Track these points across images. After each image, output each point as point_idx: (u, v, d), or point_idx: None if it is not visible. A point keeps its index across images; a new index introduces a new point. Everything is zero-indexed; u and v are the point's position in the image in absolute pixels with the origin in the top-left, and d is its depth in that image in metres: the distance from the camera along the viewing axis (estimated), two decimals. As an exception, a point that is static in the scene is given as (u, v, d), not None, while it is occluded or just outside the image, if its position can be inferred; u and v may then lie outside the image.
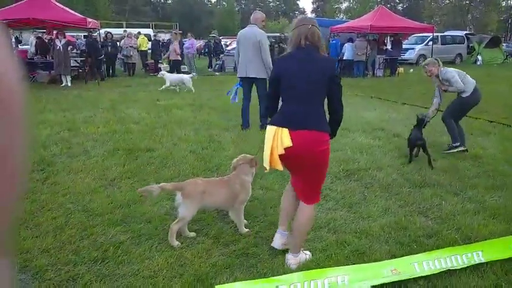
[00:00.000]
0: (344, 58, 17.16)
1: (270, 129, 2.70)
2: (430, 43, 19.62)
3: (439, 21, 57.73)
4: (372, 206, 3.93)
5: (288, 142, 2.59)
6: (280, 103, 2.85)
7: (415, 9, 60.48)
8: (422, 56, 22.50)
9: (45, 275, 2.77)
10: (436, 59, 5.75)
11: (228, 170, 4.92)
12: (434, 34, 19.12)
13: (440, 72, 5.56)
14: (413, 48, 22.80)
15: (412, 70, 18.82)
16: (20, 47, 16.14)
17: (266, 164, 2.74)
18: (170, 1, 72.10)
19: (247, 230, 3.41)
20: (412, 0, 69.39)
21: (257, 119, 7.06)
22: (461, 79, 5.53)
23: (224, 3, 70.92)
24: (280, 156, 2.64)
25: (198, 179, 3.39)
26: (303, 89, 2.66)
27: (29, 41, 16.70)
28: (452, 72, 5.54)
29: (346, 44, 16.98)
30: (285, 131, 2.60)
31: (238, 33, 6.95)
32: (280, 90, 2.77)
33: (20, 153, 0.50)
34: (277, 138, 2.62)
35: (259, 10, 7.58)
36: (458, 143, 5.63)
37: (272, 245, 3.09)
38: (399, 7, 68.30)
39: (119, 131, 6.82)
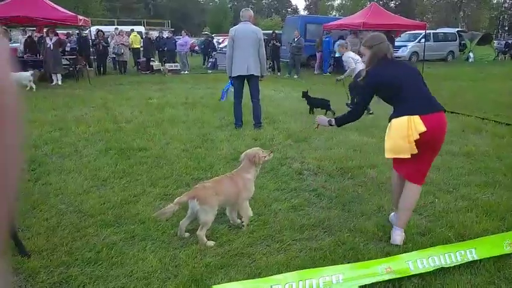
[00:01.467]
0: (336, 55, 17.17)
1: (401, 120, 2.99)
2: (423, 40, 19.73)
3: (431, 18, 58.05)
4: (366, 204, 3.94)
5: (422, 127, 2.91)
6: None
7: (408, 6, 60.68)
8: (415, 54, 22.63)
9: (37, 277, 2.73)
10: (346, 42, 9.09)
11: (221, 169, 4.91)
12: (427, 31, 19.22)
13: (343, 54, 8.63)
14: (405, 46, 22.89)
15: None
16: (9, 45, 15.92)
17: (406, 154, 3.00)
18: (162, -2, 71.62)
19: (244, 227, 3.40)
20: (404, -2, 69.61)
21: (250, 118, 7.01)
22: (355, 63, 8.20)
23: (216, 0, 70.65)
24: (416, 142, 2.95)
25: (205, 183, 3.38)
26: (414, 85, 3.11)
27: (19, 39, 16.50)
28: (348, 57, 8.48)
29: (337, 42, 16.99)
30: (417, 117, 2.92)
31: (233, 31, 6.76)
32: (384, 95, 3.22)
33: (16, 154, 0.50)
34: (411, 126, 2.92)
35: (249, 8, 7.52)
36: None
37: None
38: (392, 4, 68.46)
39: (110, 130, 6.76)
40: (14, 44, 16.76)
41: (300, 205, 3.90)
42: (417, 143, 2.94)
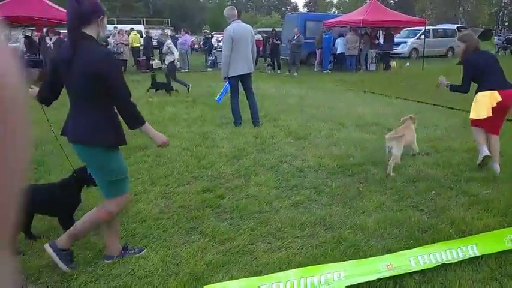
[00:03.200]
0: (337, 53, 17.18)
1: (485, 93, 4.40)
2: (422, 37, 19.69)
3: (431, 14, 57.91)
4: (367, 201, 3.94)
5: (499, 97, 4.33)
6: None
7: (407, 2, 60.56)
8: (415, 50, 22.60)
9: (39, 277, 2.74)
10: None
11: (221, 167, 4.91)
12: (426, 28, 19.17)
13: None
14: (405, 42, 22.86)
15: (408, 64, 18.87)
16: (9, 45, 15.92)
17: (483, 115, 4.40)
18: (161, -3, 71.50)
19: None
20: (404, -6, 69.41)
21: (248, 116, 7.00)
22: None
23: (216, -2, 70.52)
24: (492, 109, 4.35)
25: (398, 129, 4.94)
26: (496, 68, 4.51)
27: (18, 39, 16.50)
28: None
29: (338, 39, 16.97)
30: (495, 92, 4.35)
31: (231, 31, 6.60)
32: (475, 75, 4.52)
33: (22, 150, 0.50)
34: (492, 97, 4.35)
35: (232, 6, 7.35)
36: None
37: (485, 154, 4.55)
38: (391, 1, 68.34)
39: (111, 129, 6.75)
40: (13, 44, 16.75)
41: (300, 202, 3.90)
42: (494, 109, 4.33)
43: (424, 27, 18.78)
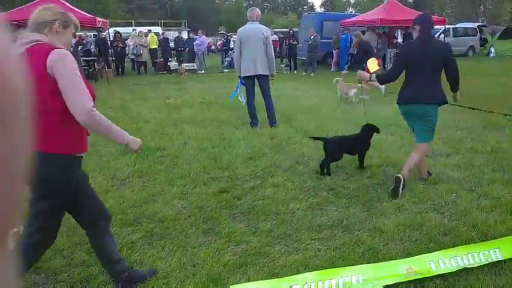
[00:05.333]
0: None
1: None
2: (442, 36, 19.32)
3: (450, 13, 56.87)
4: (386, 203, 3.88)
5: None
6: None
7: (426, 1, 59.62)
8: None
9: (58, 277, 2.78)
10: None
11: (238, 168, 4.91)
12: (446, 26, 18.82)
13: None
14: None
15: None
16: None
17: None
18: (178, -1, 72.21)
19: None
20: (423, -8, 68.37)
21: (264, 116, 6.99)
22: None
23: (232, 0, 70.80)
24: None
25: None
26: None
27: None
28: None
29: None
30: None
31: (240, 31, 6.79)
32: None
33: (25, 151, 0.49)
34: None
35: (255, 7, 7.44)
36: None
37: None
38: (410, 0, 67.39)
39: (129, 130, 6.69)
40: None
41: (318, 204, 3.86)
42: None
43: (443, 26, 18.42)
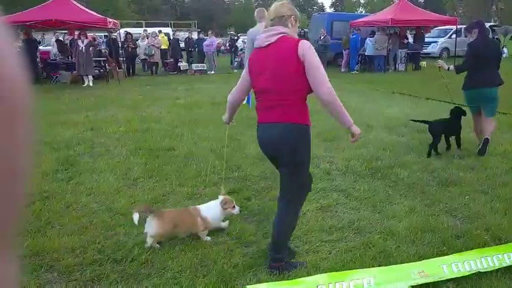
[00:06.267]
0: (366, 53, 16.90)
1: None
2: (454, 36, 19.12)
3: (462, 13, 56.24)
4: (397, 205, 3.84)
5: None
6: None
7: (437, 1, 59.05)
8: (446, 50, 21.97)
9: (71, 275, 2.81)
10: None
11: (248, 169, 4.91)
12: (458, 26, 18.61)
13: None
14: (436, 42, 22.26)
15: (440, 62, 18.36)
16: (42, 48, 16.48)
17: None
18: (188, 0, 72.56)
19: None
20: (434, -8, 67.74)
21: None
22: None
23: (242, 0, 70.87)
24: None
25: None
26: None
27: (51, 42, 17.04)
28: None
29: (367, 39, 16.70)
30: None
31: (251, 32, 6.77)
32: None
33: (24, 148, 0.50)
34: None
35: (263, 8, 7.37)
36: None
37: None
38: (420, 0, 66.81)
39: (140, 130, 6.88)
40: (46, 47, 17.31)
41: (328, 206, 3.85)
42: None
43: (455, 26, 18.23)
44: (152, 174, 4.76)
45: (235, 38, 22.99)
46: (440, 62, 5.66)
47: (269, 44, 2.57)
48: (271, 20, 2.62)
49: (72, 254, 3.04)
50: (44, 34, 21.47)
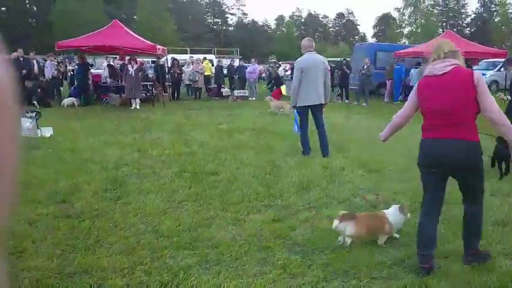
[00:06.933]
0: (411, 84, 16.60)
1: None
2: (503, 69, 18.47)
3: (510, 45, 54.41)
4: (450, 244, 3.65)
5: None
6: None
7: (484, 33, 57.62)
8: (495, 82, 21.23)
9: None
10: None
11: (291, 197, 4.86)
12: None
13: None
14: (484, 74, 21.56)
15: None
16: (93, 71, 17.40)
17: None
18: (231, 28, 74.91)
19: None
20: (481, 24, 66.24)
21: (316, 145, 6.93)
22: None
23: (284, 29, 72.29)
24: None
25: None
26: None
27: (103, 66, 17.98)
28: None
29: (412, 70, 16.45)
30: None
31: (301, 61, 6.81)
32: None
33: (9, 144, 0.53)
34: None
35: (311, 38, 7.45)
36: None
37: None
38: (466, 31, 65.46)
39: (184, 153, 7.02)
40: (97, 70, 18.25)
41: (376, 241, 3.71)
42: None
43: (504, 59, 17.62)
44: (196, 198, 4.81)
45: (277, 66, 23.28)
46: (501, 94, 5.95)
47: (445, 73, 3.06)
48: (445, 53, 3.13)
49: (120, 273, 3.08)
50: (95, 58, 22.72)
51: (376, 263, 3.29)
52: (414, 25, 64.58)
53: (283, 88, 16.56)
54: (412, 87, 16.15)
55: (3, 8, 53.17)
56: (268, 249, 3.56)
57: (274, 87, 16.92)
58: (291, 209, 4.52)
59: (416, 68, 16.50)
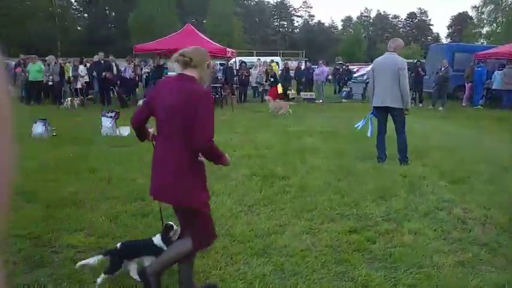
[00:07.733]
0: (493, 87, 15.34)
1: None
2: None
3: None
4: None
5: None
6: None
7: None
8: None
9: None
10: None
11: (367, 207, 4.58)
12: None
13: None
14: None
15: None
16: (169, 74, 18.10)
17: None
18: (297, 30, 74.62)
19: None
20: None
21: (394, 152, 6.52)
22: None
23: (351, 30, 70.52)
24: None
25: None
26: None
27: (173, 68, 18.66)
28: None
29: (495, 72, 15.17)
30: None
31: (375, 61, 6.74)
32: None
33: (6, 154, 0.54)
34: None
35: (397, 38, 7.05)
36: None
37: None
38: (557, 29, 59.17)
39: (253, 155, 6.98)
40: (172, 73, 18.94)
41: (468, 261, 3.34)
42: None
43: None
44: (267, 203, 4.71)
45: (344, 67, 22.68)
46: None
47: None
48: None
49: (196, 277, 3.05)
50: (166, 61, 23.65)
51: (470, 287, 2.95)
52: (494, 24, 59.69)
53: (279, 87, 16.15)
54: (494, 90, 15.00)
55: (86, 15, 57.69)
56: (346, 262, 3.35)
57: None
58: (369, 219, 4.25)
59: (500, 70, 15.21)
